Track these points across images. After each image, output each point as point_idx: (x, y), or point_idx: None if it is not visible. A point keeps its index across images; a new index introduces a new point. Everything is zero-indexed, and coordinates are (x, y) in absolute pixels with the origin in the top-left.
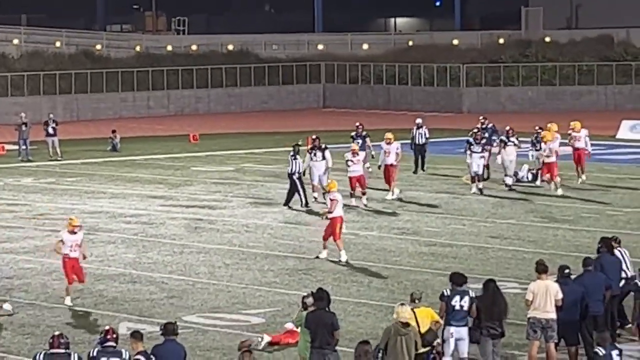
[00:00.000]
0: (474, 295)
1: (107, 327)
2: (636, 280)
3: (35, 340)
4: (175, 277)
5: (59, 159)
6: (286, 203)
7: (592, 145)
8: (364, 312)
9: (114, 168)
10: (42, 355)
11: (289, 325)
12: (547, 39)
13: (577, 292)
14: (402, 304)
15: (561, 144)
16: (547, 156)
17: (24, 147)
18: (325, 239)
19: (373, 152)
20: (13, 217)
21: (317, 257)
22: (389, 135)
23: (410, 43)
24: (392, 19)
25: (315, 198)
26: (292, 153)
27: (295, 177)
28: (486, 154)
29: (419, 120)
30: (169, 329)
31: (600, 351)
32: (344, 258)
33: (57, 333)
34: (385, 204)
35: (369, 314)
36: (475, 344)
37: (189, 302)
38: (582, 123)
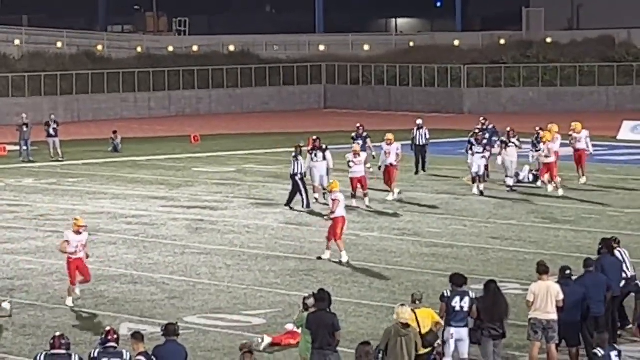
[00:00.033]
0: (474, 296)
1: (108, 328)
2: (637, 282)
3: (36, 341)
4: (176, 278)
5: (60, 159)
6: (287, 203)
7: (593, 146)
8: (365, 313)
9: (115, 169)
10: (43, 356)
11: (290, 326)
12: (549, 40)
13: (578, 293)
14: (403, 305)
15: (562, 145)
16: (546, 156)
17: (25, 147)
18: (328, 239)
19: (374, 153)
20: (14, 217)
21: (320, 258)
22: (389, 136)
23: (412, 44)
24: (393, 20)
25: (316, 199)
26: (294, 154)
27: (297, 177)
28: (487, 154)
29: (419, 121)
30: (170, 330)
31: (599, 352)
32: (344, 259)
33: (58, 334)
34: (386, 205)
35: (370, 315)
36: (477, 345)
37: (190, 303)
38: (583, 124)
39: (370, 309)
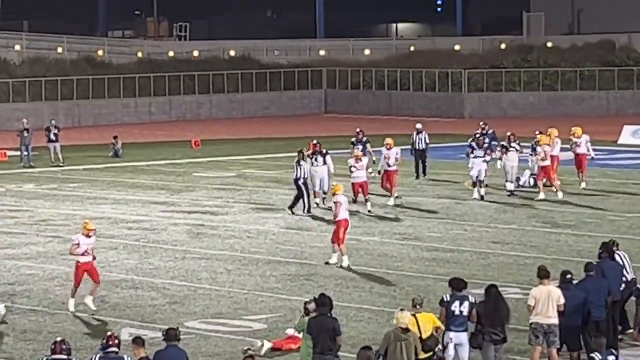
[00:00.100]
0: (473, 301)
1: (109, 333)
2: (638, 286)
3: (37, 346)
4: (177, 283)
5: (60, 164)
6: (290, 207)
7: (594, 150)
8: (365, 317)
9: (115, 174)
10: None
11: (290, 331)
12: (549, 44)
13: (579, 298)
14: (402, 310)
15: (562, 149)
16: (542, 159)
17: (25, 153)
18: (333, 242)
19: (374, 158)
20: (15, 223)
21: (327, 263)
22: (388, 140)
23: (412, 48)
24: (394, 25)
25: (317, 204)
26: (296, 159)
27: (300, 182)
28: (488, 158)
29: (419, 126)
30: (170, 335)
31: (597, 356)
32: (345, 263)
33: (59, 339)
34: (387, 210)
35: (371, 320)
36: (478, 350)
37: (191, 308)
38: (583, 128)
39: (371, 313)
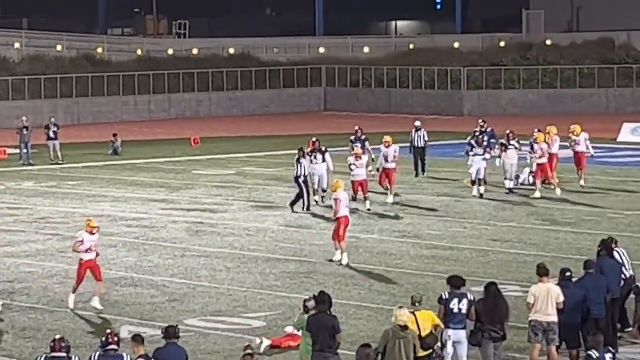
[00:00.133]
0: (472, 298)
1: (108, 331)
2: (637, 284)
3: (36, 344)
4: (176, 281)
5: (60, 162)
6: (292, 204)
7: (593, 148)
8: (365, 315)
9: (115, 172)
10: (43, 359)
11: (290, 329)
12: (548, 42)
13: (579, 295)
14: (401, 307)
15: (561, 147)
16: (540, 157)
17: (25, 151)
18: (334, 240)
19: (373, 156)
20: (14, 221)
21: (331, 261)
22: (387, 138)
23: (412, 46)
24: (393, 23)
25: (317, 202)
26: (297, 157)
27: (301, 180)
28: (488, 157)
29: (417, 123)
30: (170, 333)
31: (594, 354)
32: (345, 261)
33: (58, 337)
34: (386, 208)
35: (371, 318)
36: (477, 348)
37: (191, 306)
38: (583, 126)
39: (371, 311)
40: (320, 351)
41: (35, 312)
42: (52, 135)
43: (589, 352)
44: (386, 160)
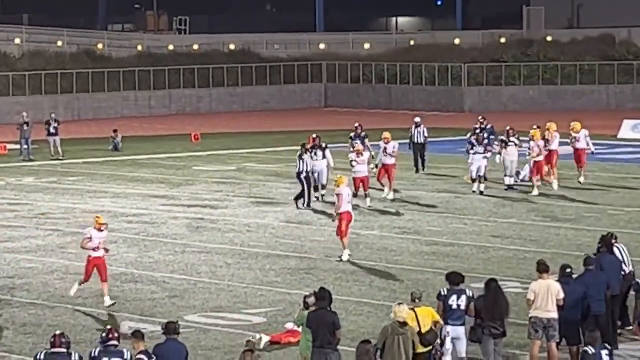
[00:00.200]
0: (471, 294)
1: (108, 327)
2: (637, 280)
3: (36, 340)
4: (176, 277)
5: (60, 158)
6: (296, 198)
7: (593, 144)
8: (365, 311)
9: (115, 167)
10: (43, 355)
11: (290, 325)
12: (549, 38)
13: (579, 292)
14: (400, 304)
15: (561, 144)
16: (537, 154)
17: (25, 146)
18: (338, 235)
19: (373, 152)
20: (14, 216)
21: (340, 259)
22: (386, 134)
23: (412, 42)
24: (394, 19)
25: (317, 198)
26: (299, 153)
27: (302, 176)
28: (489, 154)
29: (417, 119)
30: (170, 328)
31: (590, 350)
32: (345, 257)
33: (58, 332)
34: (386, 204)
35: (370, 313)
36: (477, 344)
37: (191, 302)
38: (583, 122)
39: (371, 307)
40: (320, 347)
41: (35, 308)
42: (52, 130)
43: (585, 348)
44: (385, 154)
